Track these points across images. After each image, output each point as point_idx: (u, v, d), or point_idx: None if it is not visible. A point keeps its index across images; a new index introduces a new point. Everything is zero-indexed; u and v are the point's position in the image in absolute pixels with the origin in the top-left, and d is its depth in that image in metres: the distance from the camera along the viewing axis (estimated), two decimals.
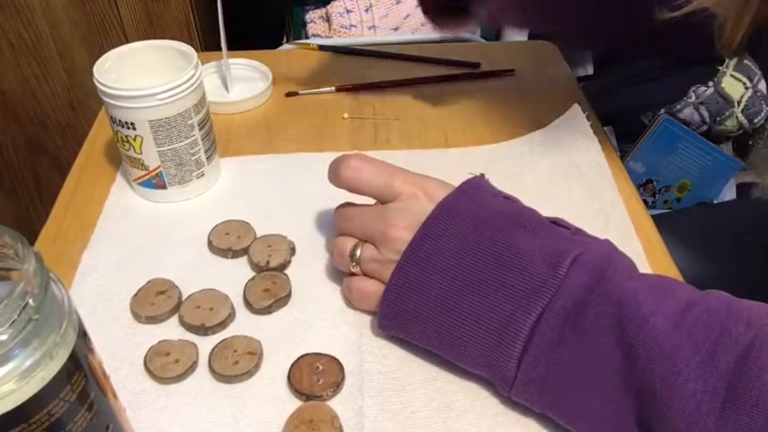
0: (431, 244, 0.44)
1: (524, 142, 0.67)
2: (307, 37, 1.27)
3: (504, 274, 0.42)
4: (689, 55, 0.69)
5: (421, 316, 0.44)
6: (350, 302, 0.51)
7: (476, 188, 0.47)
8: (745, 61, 1.29)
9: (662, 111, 1.30)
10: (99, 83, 0.55)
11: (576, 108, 0.69)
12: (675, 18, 0.47)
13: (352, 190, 0.50)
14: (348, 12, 1.23)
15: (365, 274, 0.49)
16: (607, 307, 0.39)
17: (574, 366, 0.40)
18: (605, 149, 0.66)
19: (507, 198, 0.47)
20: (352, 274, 0.50)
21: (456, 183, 0.62)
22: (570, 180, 0.62)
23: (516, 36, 1.35)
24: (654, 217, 0.60)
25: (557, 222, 0.45)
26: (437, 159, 0.65)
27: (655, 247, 0.56)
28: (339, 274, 0.54)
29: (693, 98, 1.31)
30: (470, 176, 0.48)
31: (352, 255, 0.49)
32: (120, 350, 0.48)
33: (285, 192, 0.61)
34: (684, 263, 0.57)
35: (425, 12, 0.69)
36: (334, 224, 0.51)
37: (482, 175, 0.49)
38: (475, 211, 0.45)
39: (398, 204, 0.47)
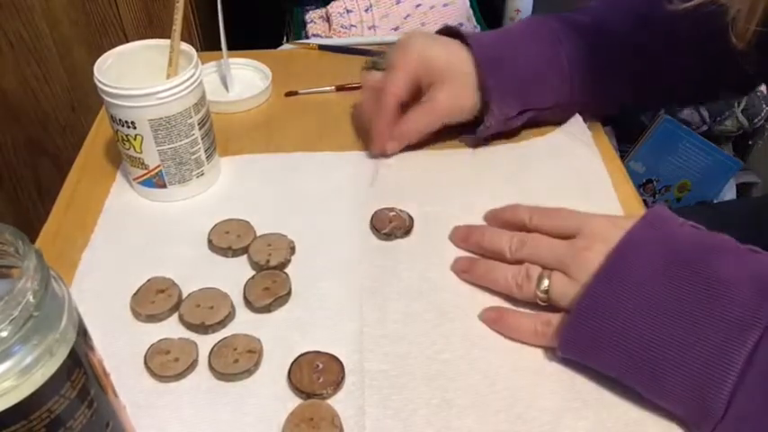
0: (623, 269, 0.44)
1: (525, 147, 0.66)
2: (307, 37, 1.27)
3: (709, 304, 0.41)
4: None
5: (611, 341, 0.43)
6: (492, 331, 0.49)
7: (660, 218, 0.46)
8: None
9: (662, 111, 1.30)
10: (99, 82, 0.55)
11: (578, 117, 0.68)
12: (689, 9, 0.46)
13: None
14: (348, 12, 1.23)
15: (548, 303, 0.48)
16: None
17: None
18: (605, 150, 0.66)
19: (694, 227, 0.46)
20: (512, 306, 0.50)
21: (462, 183, 0.62)
22: (570, 188, 0.61)
23: None
24: None
25: (751, 249, 0.44)
26: (437, 159, 0.65)
27: None
28: (339, 272, 0.53)
29: None
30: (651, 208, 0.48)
31: (540, 281, 0.48)
32: (121, 348, 0.48)
33: (285, 191, 0.62)
34: None
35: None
36: (504, 248, 0.51)
37: None
38: (662, 241, 0.44)
39: (587, 234, 0.48)
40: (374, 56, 0.66)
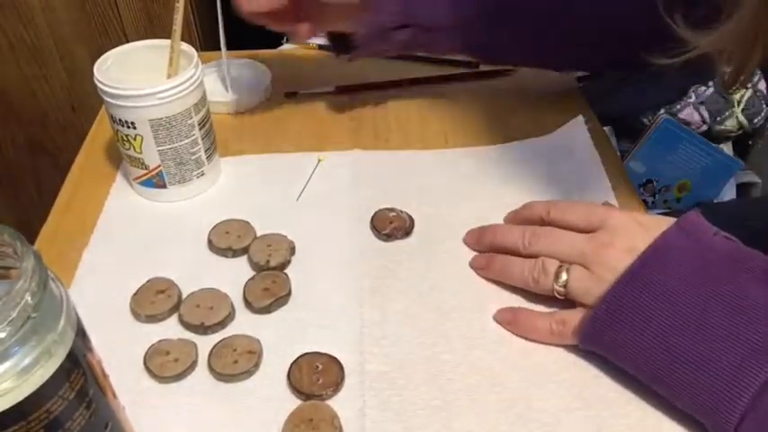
0: (650, 273, 0.43)
1: (525, 147, 0.66)
2: None
3: (733, 323, 0.40)
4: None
5: (631, 344, 0.43)
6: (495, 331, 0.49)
7: (694, 226, 0.45)
8: None
9: (662, 111, 1.30)
10: (99, 82, 0.55)
11: (580, 119, 0.68)
12: (675, 65, 0.44)
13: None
14: None
15: (566, 297, 0.48)
16: None
17: None
18: (605, 150, 0.66)
19: (727, 238, 0.44)
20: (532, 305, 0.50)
21: (461, 184, 0.61)
22: (568, 190, 0.61)
23: None
24: None
25: None
26: (436, 159, 0.65)
27: None
28: (339, 273, 0.53)
29: (693, 98, 1.31)
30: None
31: (558, 275, 0.47)
32: (120, 349, 0.48)
33: (285, 191, 0.61)
34: None
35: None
36: (517, 243, 0.51)
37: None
38: (694, 251, 0.43)
39: (610, 229, 0.47)
40: None
